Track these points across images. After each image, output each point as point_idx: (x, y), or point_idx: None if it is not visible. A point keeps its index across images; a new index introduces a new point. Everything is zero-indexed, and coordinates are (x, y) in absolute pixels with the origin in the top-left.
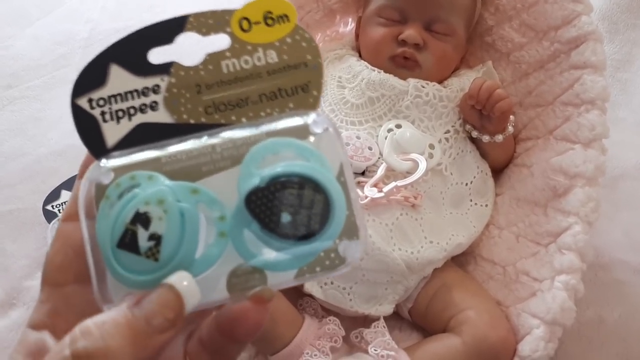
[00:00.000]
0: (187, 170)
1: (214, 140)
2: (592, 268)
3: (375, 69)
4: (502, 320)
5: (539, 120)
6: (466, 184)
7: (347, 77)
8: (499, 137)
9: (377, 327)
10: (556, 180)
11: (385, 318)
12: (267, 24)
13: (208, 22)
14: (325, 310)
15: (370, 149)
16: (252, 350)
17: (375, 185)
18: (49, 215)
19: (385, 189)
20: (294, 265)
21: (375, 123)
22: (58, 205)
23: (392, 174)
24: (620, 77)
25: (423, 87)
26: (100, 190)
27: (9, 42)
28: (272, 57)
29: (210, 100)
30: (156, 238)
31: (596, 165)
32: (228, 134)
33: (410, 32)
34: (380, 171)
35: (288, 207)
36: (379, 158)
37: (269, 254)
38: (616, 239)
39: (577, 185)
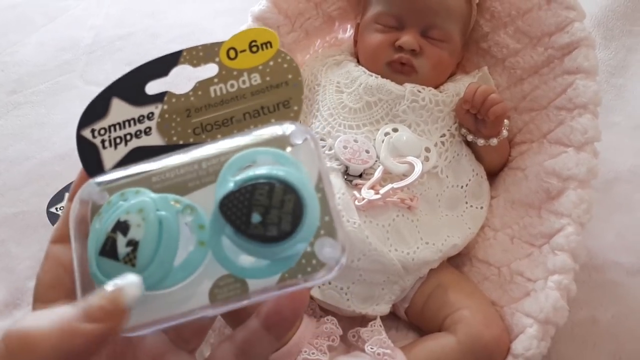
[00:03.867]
0: (175, 187)
1: (198, 155)
2: (586, 269)
3: (373, 74)
4: (497, 319)
5: (533, 125)
6: (462, 187)
7: (345, 82)
8: (494, 141)
9: (374, 326)
10: (549, 182)
11: (382, 318)
12: (252, 51)
13: (199, 55)
14: (323, 310)
15: (367, 152)
16: None
17: (372, 188)
18: (53, 218)
19: (382, 190)
20: (272, 272)
21: (372, 127)
22: (62, 208)
23: (388, 176)
24: (615, 82)
25: (419, 91)
26: (96, 210)
27: (14, 49)
28: (256, 79)
29: (198, 122)
30: (134, 244)
31: (588, 167)
32: (211, 147)
33: (407, 39)
34: (377, 174)
35: (258, 207)
36: (376, 161)
37: (247, 260)
38: (610, 241)
39: (569, 187)
